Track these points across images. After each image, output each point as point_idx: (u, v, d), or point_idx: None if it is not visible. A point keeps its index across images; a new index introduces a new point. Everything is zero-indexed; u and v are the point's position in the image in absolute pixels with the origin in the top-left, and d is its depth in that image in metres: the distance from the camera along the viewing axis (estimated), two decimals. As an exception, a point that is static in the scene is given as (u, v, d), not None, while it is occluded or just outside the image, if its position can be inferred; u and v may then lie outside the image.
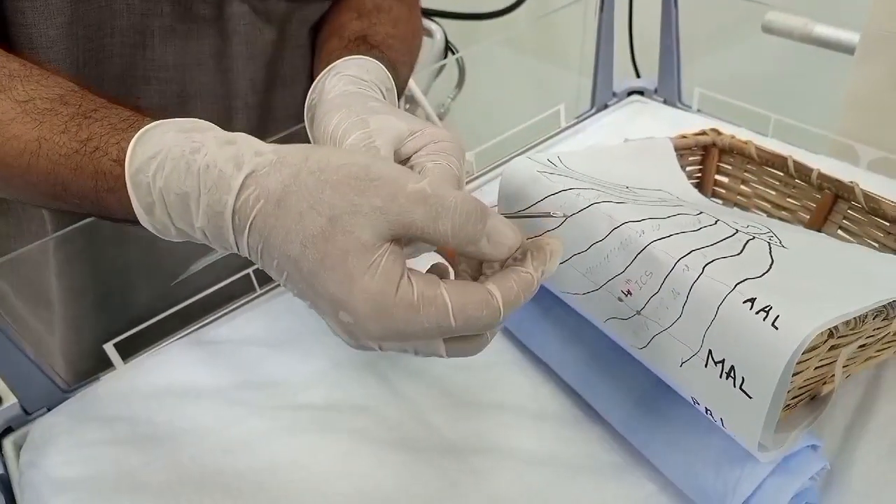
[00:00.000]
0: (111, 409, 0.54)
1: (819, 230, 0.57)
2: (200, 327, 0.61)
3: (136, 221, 0.34)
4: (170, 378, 0.56)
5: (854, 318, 0.38)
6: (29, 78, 0.38)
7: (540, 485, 0.46)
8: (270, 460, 0.49)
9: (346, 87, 0.44)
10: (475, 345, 0.33)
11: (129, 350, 0.58)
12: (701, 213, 0.48)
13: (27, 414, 0.55)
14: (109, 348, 0.57)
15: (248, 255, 0.33)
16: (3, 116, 0.36)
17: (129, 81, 0.54)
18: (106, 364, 0.58)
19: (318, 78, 0.47)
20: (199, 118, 0.57)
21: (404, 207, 0.30)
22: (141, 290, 0.64)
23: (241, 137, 0.33)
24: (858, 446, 0.45)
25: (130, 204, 0.33)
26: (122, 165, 0.33)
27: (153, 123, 0.34)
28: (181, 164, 0.32)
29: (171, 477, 0.49)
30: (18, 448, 0.53)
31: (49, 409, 0.55)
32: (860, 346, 0.44)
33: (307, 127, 0.46)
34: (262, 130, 0.62)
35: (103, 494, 0.48)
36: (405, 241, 0.32)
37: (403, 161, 0.39)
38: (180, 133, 0.33)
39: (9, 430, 0.54)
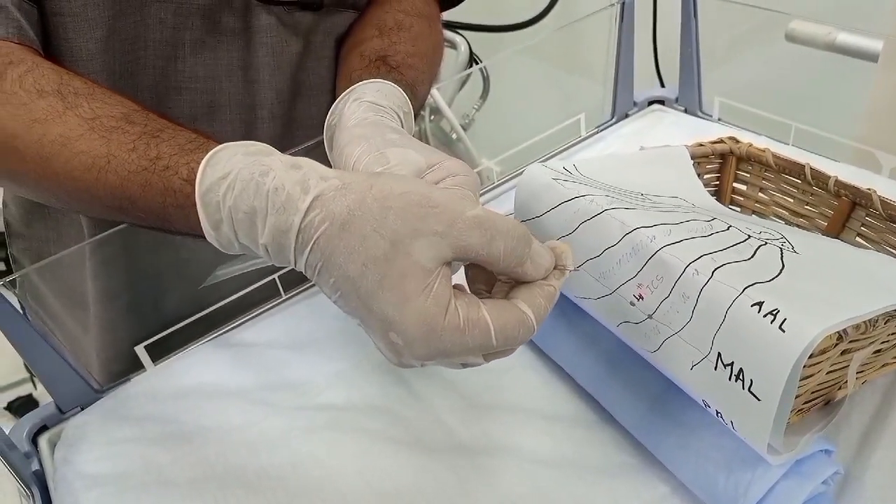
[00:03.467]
0: (141, 409, 0.56)
1: (836, 237, 0.57)
2: (227, 331, 0.63)
3: (199, 235, 0.36)
4: (197, 379, 0.58)
5: (865, 321, 0.39)
6: (93, 96, 0.40)
7: (553, 486, 0.47)
8: (291, 458, 0.50)
9: (365, 114, 0.46)
10: (509, 351, 0.36)
11: (159, 352, 0.60)
12: (714, 218, 0.48)
13: (62, 413, 0.57)
14: (140, 350, 0.59)
15: (303, 271, 0.35)
16: (71, 133, 0.38)
17: (162, 92, 0.56)
18: (137, 365, 0.60)
19: (338, 99, 0.49)
20: (227, 127, 0.60)
21: (463, 232, 0.33)
22: (171, 295, 0.66)
23: (306, 162, 0.35)
24: (874, 453, 0.45)
25: (197, 220, 0.35)
26: (193, 185, 0.35)
27: (221, 146, 0.36)
28: (251, 185, 0.34)
29: (196, 474, 0.50)
30: (53, 445, 0.55)
31: (82, 409, 0.57)
32: (875, 352, 0.44)
33: (326, 146, 0.49)
34: (286, 139, 0.64)
35: (132, 490, 0.50)
36: (455, 264, 0.34)
37: None
38: (247, 156, 0.35)
39: (44, 428, 0.57)
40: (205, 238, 0.36)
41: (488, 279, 0.38)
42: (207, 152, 0.35)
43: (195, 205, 0.35)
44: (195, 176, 0.35)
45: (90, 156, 0.37)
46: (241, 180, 0.34)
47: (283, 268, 0.61)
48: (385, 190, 0.33)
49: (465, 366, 0.36)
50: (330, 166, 0.47)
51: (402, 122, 0.48)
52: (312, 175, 0.34)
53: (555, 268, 0.36)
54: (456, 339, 0.33)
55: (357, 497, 0.48)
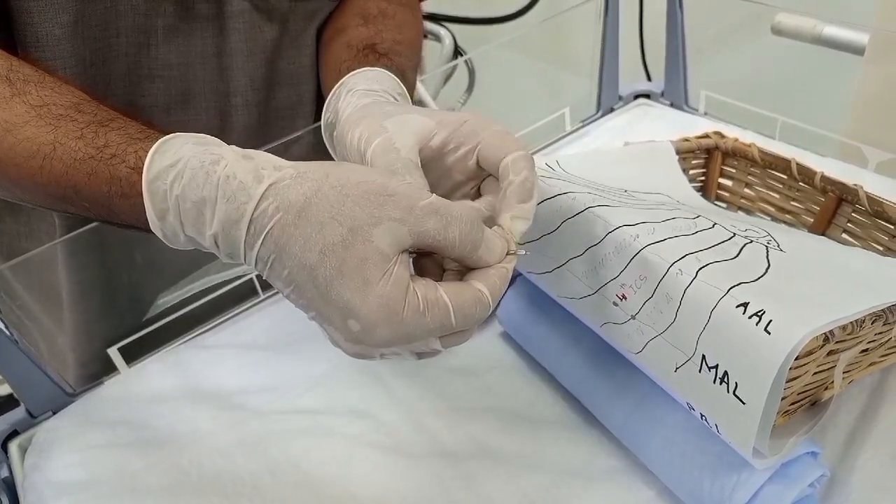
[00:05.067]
0: (114, 413, 0.55)
1: (823, 233, 0.57)
2: (203, 332, 0.61)
3: (143, 228, 0.35)
4: (172, 382, 0.57)
5: (851, 322, 0.38)
6: (42, 84, 0.39)
7: (538, 490, 0.46)
8: (268, 464, 0.49)
9: (360, 100, 0.45)
10: (465, 335, 0.36)
11: (133, 354, 0.59)
12: (698, 216, 0.48)
13: (33, 417, 0.55)
14: (114, 352, 0.58)
15: (253, 265, 0.34)
16: (17, 119, 0.37)
17: (135, 80, 0.55)
18: (112, 367, 0.58)
19: (330, 94, 0.49)
20: (202, 115, 0.58)
21: (420, 218, 0.33)
22: (147, 295, 0.65)
23: (258, 154, 0.35)
24: (861, 453, 0.45)
25: (142, 210, 0.34)
26: (139, 173, 0.34)
27: (171, 135, 0.35)
28: (200, 173, 0.33)
29: (170, 481, 0.49)
30: (23, 451, 0.54)
31: (54, 413, 0.56)
32: (862, 352, 0.43)
33: (327, 144, 0.48)
34: (264, 128, 0.62)
35: (103, 498, 0.48)
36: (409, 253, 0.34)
37: (440, 154, 0.40)
38: (198, 145, 0.34)
39: (14, 434, 0.55)
40: (149, 230, 0.35)
41: (437, 272, 0.38)
42: (156, 142, 0.34)
43: (141, 194, 0.34)
44: (142, 164, 0.34)
45: (35, 143, 0.36)
46: (190, 168, 0.33)
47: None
48: (342, 179, 0.33)
49: (420, 356, 0.35)
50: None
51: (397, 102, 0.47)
52: (266, 165, 0.33)
53: (507, 253, 0.36)
54: (417, 320, 0.32)
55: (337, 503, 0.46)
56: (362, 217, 0.32)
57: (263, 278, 0.34)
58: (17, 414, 0.55)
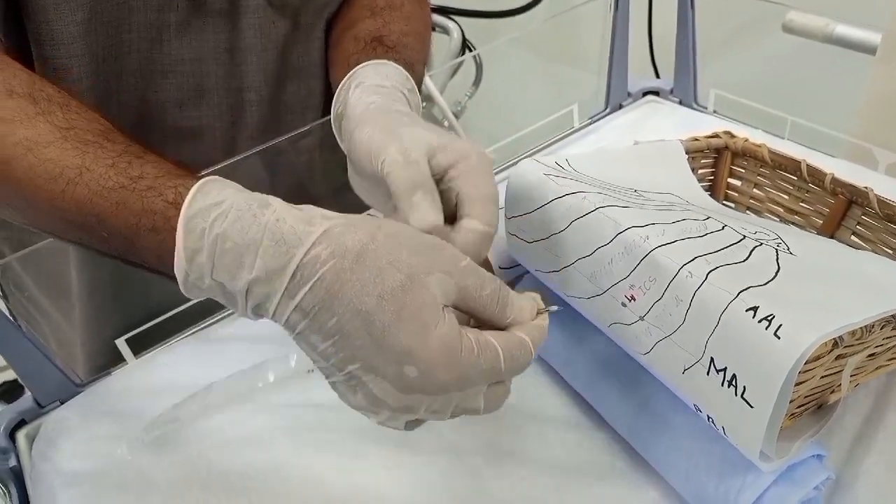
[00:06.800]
0: (122, 405, 0.55)
1: (832, 235, 0.56)
2: (211, 324, 0.62)
3: (155, 268, 0.34)
4: (179, 375, 0.57)
5: (861, 328, 0.38)
6: (68, 107, 0.38)
7: (544, 490, 0.46)
8: (275, 458, 0.49)
9: (370, 98, 0.45)
10: (506, 390, 0.36)
11: (143, 345, 0.59)
12: (708, 217, 0.47)
13: (40, 407, 0.56)
14: (121, 343, 0.58)
15: (284, 319, 0.33)
16: (40, 138, 0.36)
17: (147, 76, 0.55)
18: (121, 358, 0.59)
19: (339, 86, 0.49)
20: (214, 111, 0.58)
21: (464, 273, 0.34)
22: (157, 287, 0.65)
23: (305, 207, 0.34)
24: (866, 457, 0.45)
25: (169, 247, 0.33)
26: (177, 208, 0.33)
27: (212, 177, 0.35)
28: (247, 215, 0.32)
29: (177, 474, 0.49)
30: (31, 440, 0.54)
31: (62, 403, 0.56)
32: (869, 356, 0.43)
33: (336, 135, 0.48)
34: (274, 123, 0.62)
35: (111, 489, 0.49)
36: None
37: (436, 176, 0.40)
38: (240, 191, 0.34)
39: (22, 423, 0.55)
40: (161, 272, 0.34)
41: None
42: (196, 180, 0.34)
43: (174, 229, 0.33)
44: (181, 200, 0.33)
45: (59, 165, 0.35)
46: (236, 209, 0.33)
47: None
48: (395, 229, 0.34)
49: (456, 412, 0.35)
50: (342, 155, 0.46)
51: (407, 100, 0.47)
52: (315, 213, 0.33)
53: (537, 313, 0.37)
54: (472, 362, 0.33)
55: (342, 499, 0.47)
56: (418, 265, 0.33)
57: (292, 335, 0.33)
58: (25, 403, 0.55)
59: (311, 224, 0.32)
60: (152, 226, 0.33)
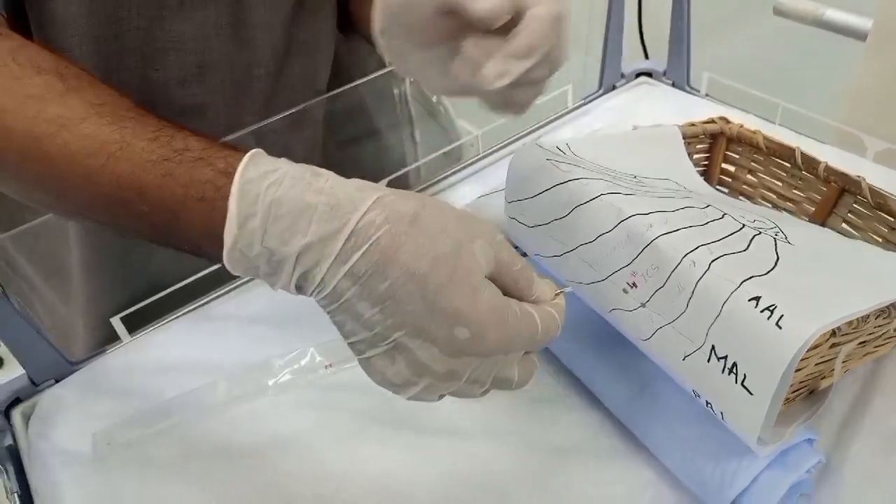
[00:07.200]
0: (119, 383, 0.55)
1: (823, 223, 0.58)
2: (208, 302, 0.61)
3: (196, 244, 0.34)
4: (177, 353, 0.57)
5: (857, 318, 0.39)
6: (95, 84, 0.37)
7: (540, 469, 0.47)
8: (275, 437, 0.50)
9: None
10: (533, 365, 0.38)
11: (140, 323, 0.59)
12: (708, 206, 0.48)
13: (35, 385, 0.55)
14: (116, 322, 0.58)
15: (330, 288, 0.32)
16: (73, 114, 0.35)
17: (148, 53, 0.54)
18: (117, 337, 0.58)
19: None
20: (217, 88, 0.57)
21: (500, 246, 0.36)
22: (155, 263, 0.64)
23: (355, 179, 0.35)
24: (854, 440, 0.46)
25: (217, 215, 0.33)
26: (228, 176, 0.33)
27: (259, 150, 0.35)
28: (301, 182, 0.33)
29: (176, 452, 0.50)
30: (27, 419, 0.54)
31: (57, 381, 0.56)
32: (860, 343, 0.44)
33: (383, 51, 0.46)
34: (279, 99, 0.62)
35: (110, 468, 0.49)
36: None
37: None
38: (291, 163, 0.34)
39: (17, 401, 0.55)
40: (200, 248, 0.34)
41: None
42: (244, 151, 0.34)
43: (224, 198, 0.32)
44: (233, 169, 0.33)
45: (97, 140, 0.34)
46: (291, 177, 0.33)
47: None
48: (439, 202, 0.35)
49: (484, 391, 0.37)
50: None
51: None
52: (367, 184, 0.34)
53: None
54: (517, 325, 0.34)
55: (344, 478, 0.47)
56: (463, 234, 0.34)
57: (333, 307, 0.33)
58: (20, 381, 0.55)
59: (363, 191, 0.33)
60: (201, 195, 0.33)
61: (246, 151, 0.34)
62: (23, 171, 0.37)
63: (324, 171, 0.34)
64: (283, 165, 0.34)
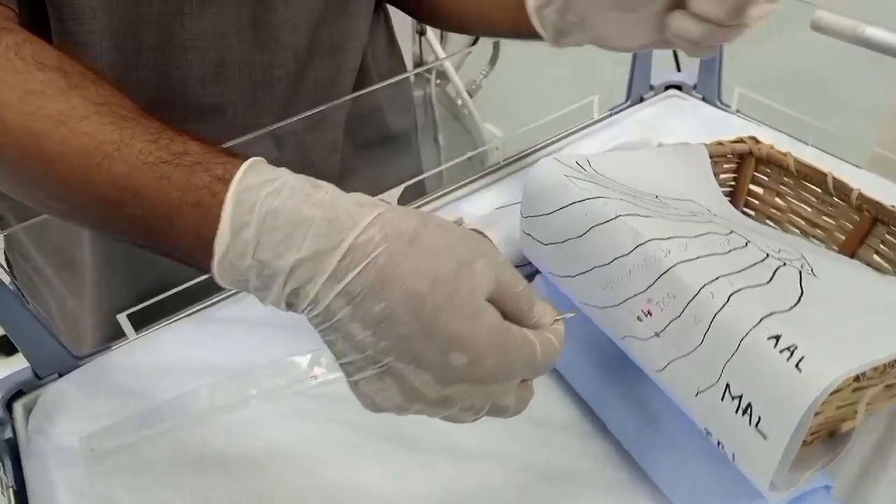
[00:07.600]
0: (121, 382, 0.54)
1: (854, 253, 0.55)
2: (215, 303, 0.61)
3: (186, 252, 0.33)
4: (179, 355, 0.56)
5: (884, 364, 0.37)
6: (99, 83, 0.37)
7: (542, 496, 0.46)
8: (272, 445, 0.49)
9: None
10: (528, 393, 0.37)
11: (146, 321, 0.58)
12: (731, 232, 0.46)
13: (38, 378, 0.55)
14: (122, 319, 0.57)
15: (322, 306, 0.31)
16: (74, 112, 0.35)
17: (168, 51, 0.53)
18: (123, 333, 0.58)
19: None
20: (236, 87, 0.56)
21: (501, 268, 0.34)
22: (164, 262, 0.64)
23: (356, 193, 0.34)
24: (875, 488, 0.44)
25: (210, 222, 0.32)
26: (225, 183, 0.32)
27: (259, 158, 0.34)
28: (300, 193, 0.32)
29: (172, 455, 0.49)
30: (28, 412, 0.54)
31: (60, 376, 0.55)
32: (886, 386, 0.42)
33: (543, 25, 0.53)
34: (297, 100, 0.61)
35: (105, 470, 0.48)
36: None
37: None
38: (292, 173, 0.33)
39: (20, 394, 0.55)
40: (191, 257, 0.33)
41: None
42: (244, 158, 0.33)
43: (220, 205, 0.31)
44: (231, 175, 0.32)
45: (95, 139, 0.34)
46: (289, 187, 0.32)
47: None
48: (441, 220, 0.34)
49: (476, 417, 0.35)
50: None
51: None
52: (368, 199, 0.33)
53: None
54: (516, 350, 0.33)
55: (338, 492, 0.46)
56: (467, 255, 0.33)
57: (324, 327, 0.32)
58: (24, 374, 0.55)
59: (363, 206, 0.32)
60: (196, 201, 0.32)
61: (246, 158, 0.33)
62: (20, 167, 0.36)
63: (324, 183, 0.33)
64: (283, 175, 0.32)
